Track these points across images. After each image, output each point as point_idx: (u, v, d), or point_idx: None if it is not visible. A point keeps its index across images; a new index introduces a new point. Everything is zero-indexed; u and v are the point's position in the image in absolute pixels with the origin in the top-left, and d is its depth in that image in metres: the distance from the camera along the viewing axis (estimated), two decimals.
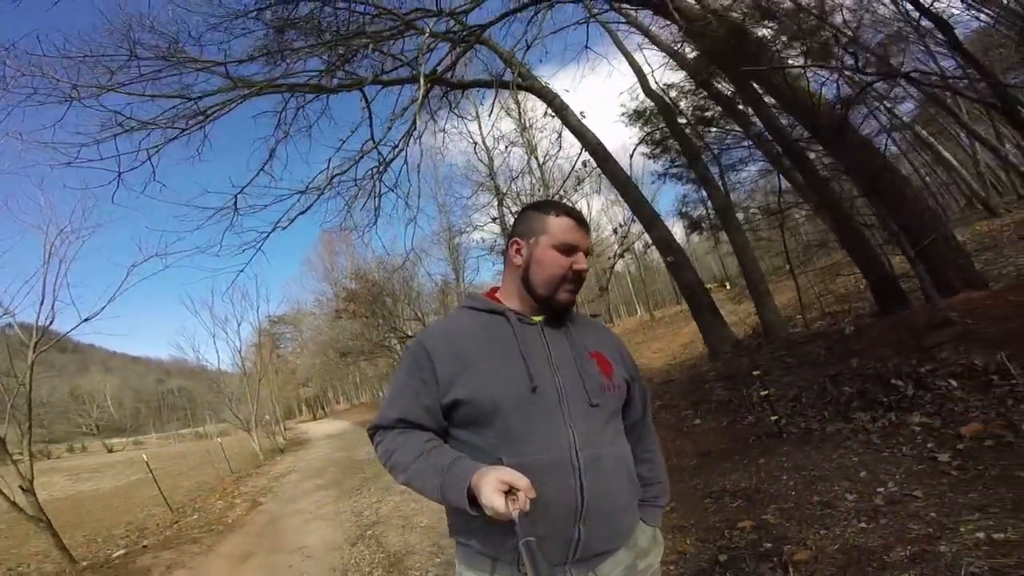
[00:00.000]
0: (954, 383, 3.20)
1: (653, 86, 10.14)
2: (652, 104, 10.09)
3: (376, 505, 5.68)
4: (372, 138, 7.21)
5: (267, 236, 6.66)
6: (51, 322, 5.45)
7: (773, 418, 3.86)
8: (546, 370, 0.98)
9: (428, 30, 5.89)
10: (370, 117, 7.18)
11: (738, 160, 9.01)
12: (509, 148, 12.26)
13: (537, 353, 1.00)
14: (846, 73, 4.85)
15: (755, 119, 7.99)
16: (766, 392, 4.07)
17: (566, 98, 9.24)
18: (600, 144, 9.21)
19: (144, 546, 5.35)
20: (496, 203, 18.57)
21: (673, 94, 10.09)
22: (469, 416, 0.96)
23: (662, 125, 9.49)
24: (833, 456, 3.09)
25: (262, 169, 7.02)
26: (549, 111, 9.61)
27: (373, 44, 6.46)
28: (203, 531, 5.91)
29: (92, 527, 6.75)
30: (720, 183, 8.91)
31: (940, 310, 3.87)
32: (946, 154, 14.57)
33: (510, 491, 0.78)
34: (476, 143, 13.99)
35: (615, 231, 13.66)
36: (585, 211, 27.40)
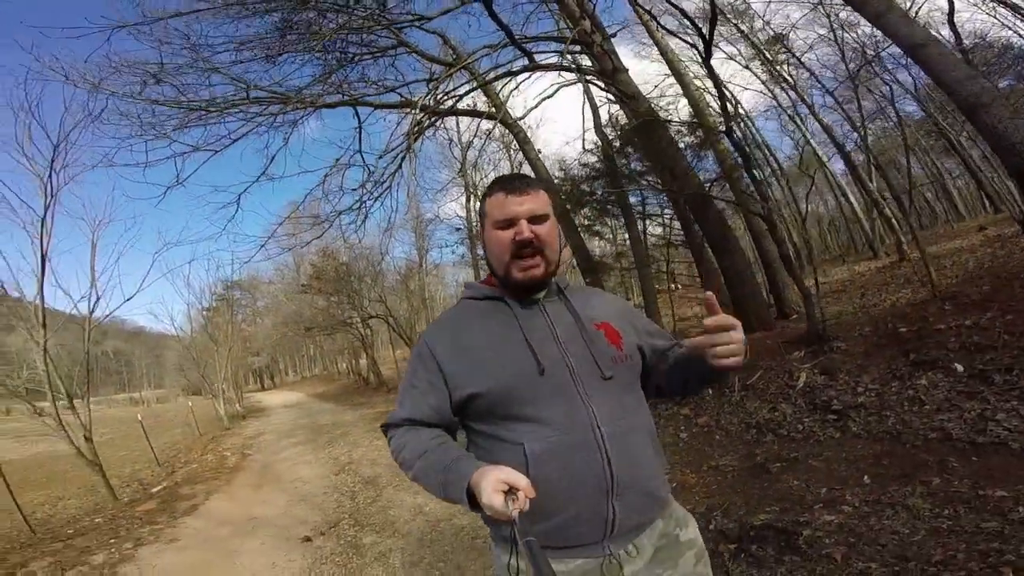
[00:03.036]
0: (710, 391, 5.48)
1: (604, 122, 12.18)
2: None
3: (348, 453, 7.61)
4: (360, 154, 8.08)
5: (273, 254, 7.88)
6: (98, 300, 6.94)
7: None
8: (553, 349, 0.98)
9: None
10: (359, 133, 8.16)
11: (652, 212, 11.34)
12: (485, 140, 12.75)
13: (542, 333, 1.00)
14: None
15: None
16: None
17: (530, 133, 10.98)
18: (550, 179, 11.17)
19: (176, 483, 7.03)
20: (464, 198, 20.18)
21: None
22: (485, 408, 0.97)
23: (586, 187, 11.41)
24: None
25: (263, 173, 7.93)
26: (514, 144, 11.39)
27: (367, 53, 7.49)
28: (213, 473, 7.56)
29: (79, 482, 7.22)
30: (640, 223, 11.15)
31: None
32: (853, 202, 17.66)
33: (510, 490, 0.79)
34: (451, 140, 15.24)
35: None
36: None
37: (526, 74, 7.69)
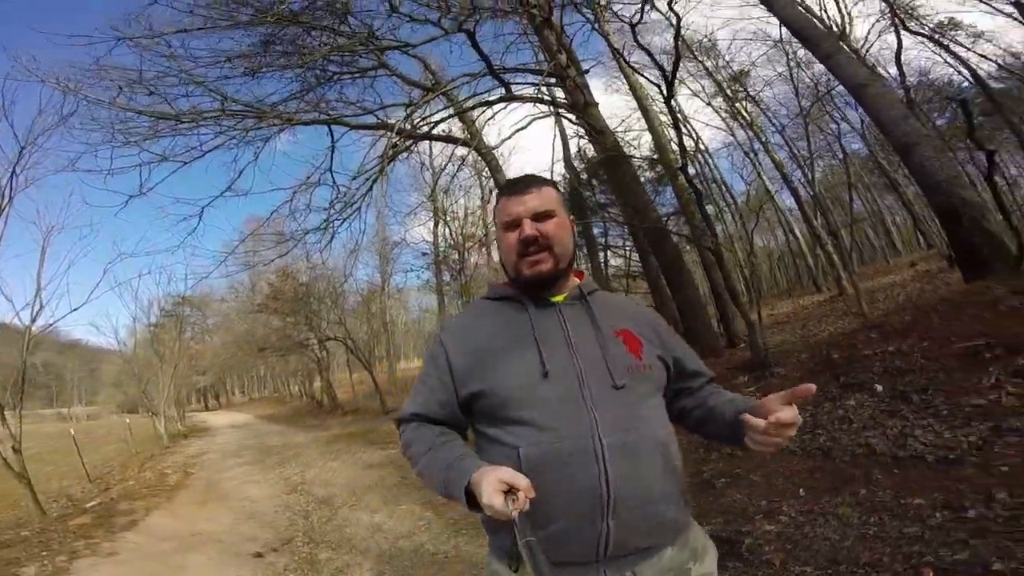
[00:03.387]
0: None
1: (573, 154, 12.64)
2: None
3: (300, 474, 7.38)
4: (331, 173, 7.92)
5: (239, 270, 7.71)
6: (41, 309, 6.55)
7: None
8: (563, 353, 0.95)
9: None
10: (332, 152, 8.02)
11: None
12: (459, 167, 12.95)
13: (554, 336, 0.97)
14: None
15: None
16: None
17: (502, 160, 11.09)
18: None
19: (112, 499, 6.64)
20: (432, 223, 20.00)
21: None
22: (487, 408, 0.95)
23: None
24: None
25: (230, 187, 7.67)
26: (486, 171, 11.58)
27: (347, 72, 7.54)
28: (153, 491, 7.18)
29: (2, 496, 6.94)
30: (602, 253, 11.58)
31: None
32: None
33: (510, 491, 0.77)
34: (423, 164, 15.23)
35: None
36: None
37: (502, 104, 7.96)
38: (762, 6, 7.39)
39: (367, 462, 7.53)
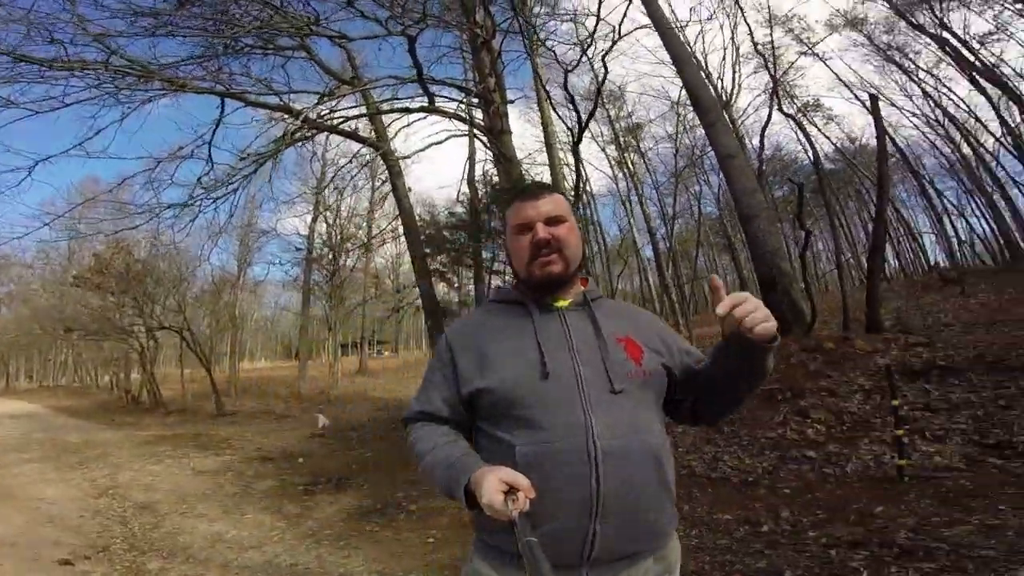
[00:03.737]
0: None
1: (477, 177, 12.64)
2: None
3: (110, 476, 6.36)
4: (210, 147, 7.06)
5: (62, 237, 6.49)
6: None
7: None
8: (564, 356, 0.97)
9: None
10: (217, 126, 7.19)
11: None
12: (361, 168, 11.96)
13: (556, 339, 1.00)
14: None
15: None
16: None
17: (404, 166, 10.49)
18: (412, 218, 10.54)
19: None
20: (311, 217, 18.57)
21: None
22: (488, 406, 0.97)
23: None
24: None
25: (80, 144, 6.48)
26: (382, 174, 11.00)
27: (259, 47, 6.92)
28: None
29: None
30: (487, 277, 11.84)
31: None
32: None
33: (510, 491, 0.79)
34: (315, 153, 14.00)
35: (398, 291, 16.06)
36: None
37: (421, 114, 7.89)
38: (673, 67, 8.22)
39: (199, 468, 6.76)
